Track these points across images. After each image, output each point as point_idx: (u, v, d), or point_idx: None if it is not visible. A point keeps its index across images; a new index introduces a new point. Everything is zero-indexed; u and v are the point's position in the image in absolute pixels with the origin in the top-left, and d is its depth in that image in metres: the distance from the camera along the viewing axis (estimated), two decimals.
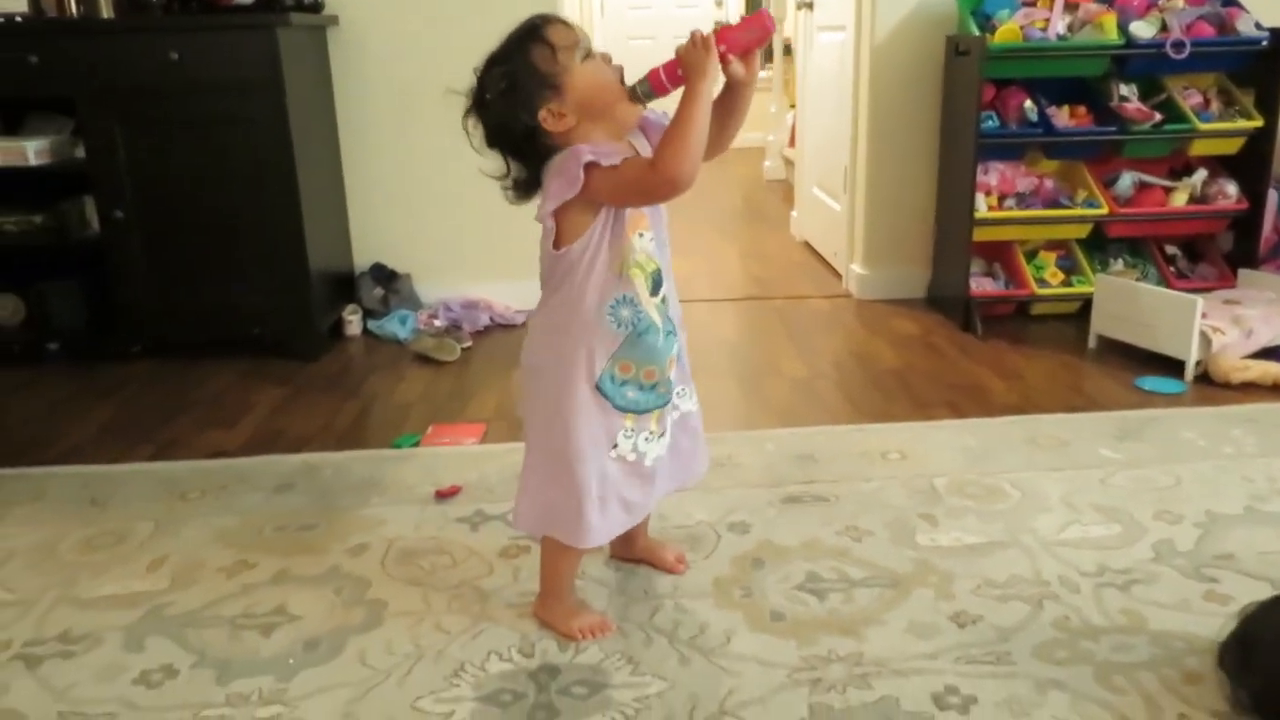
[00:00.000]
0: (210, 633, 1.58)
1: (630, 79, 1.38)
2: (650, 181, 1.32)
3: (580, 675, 1.45)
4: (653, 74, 1.35)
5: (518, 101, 1.34)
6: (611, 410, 1.45)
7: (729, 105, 1.41)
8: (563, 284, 1.41)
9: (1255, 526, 1.83)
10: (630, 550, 1.73)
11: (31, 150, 2.78)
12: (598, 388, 1.43)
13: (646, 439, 1.49)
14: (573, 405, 1.43)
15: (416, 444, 2.31)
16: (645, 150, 1.42)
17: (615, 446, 1.46)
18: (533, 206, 1.43)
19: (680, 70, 1.32)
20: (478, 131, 1.39)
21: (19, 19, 2.79)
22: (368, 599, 1.66)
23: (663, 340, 1.46)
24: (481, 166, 1.43)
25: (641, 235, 1.41)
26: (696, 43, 1.31)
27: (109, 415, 2.56)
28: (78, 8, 2.86)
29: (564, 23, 1.38)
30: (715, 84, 1.33)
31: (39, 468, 2.23)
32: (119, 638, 1.57)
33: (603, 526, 1.48)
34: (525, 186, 1.43)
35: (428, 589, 1.68)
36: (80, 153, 2.81)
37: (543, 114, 1.34)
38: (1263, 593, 1.52)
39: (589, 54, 1.36)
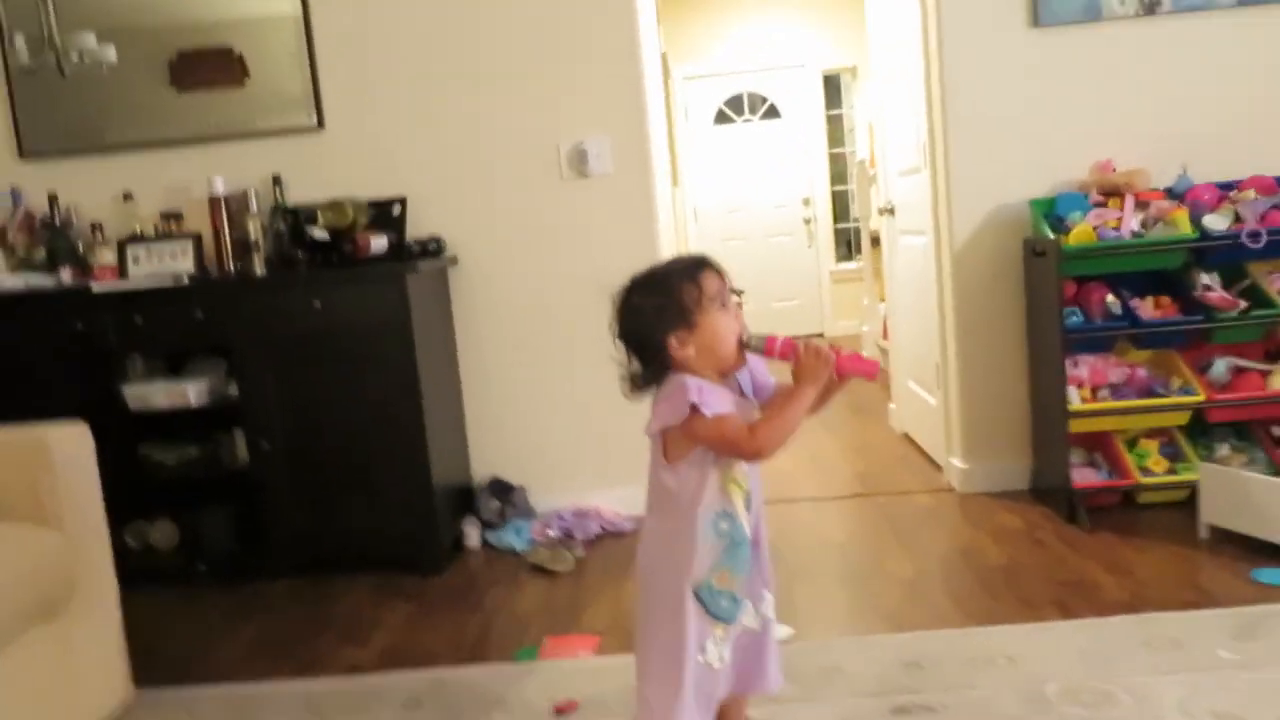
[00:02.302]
0: None
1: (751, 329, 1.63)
2: (743, 447, 1.55)
3: None
4: (770, 340, 1.59)
5: (657, 321, 1.57)
6: (706, 616, 1.58)
7: (819, 401, 1.61)
8: (672, 495, 1.59)
9: None
10: None
11: (193, 392, 3.13)
12: (696, 594, 1.58)
13: (728, 648, 1.62)
14: (681, 608, 1.57)
15: (535, 657, 2.42)
16: (747, 387, 1.65)
17: (704, 652, 1.59)
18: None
19: (793, 359, 1.58)
20: (615, 326, 1.63)
21: (186, 280, 3.20)
22: None
23: (748, 552, 1.62)
24: (610, 354, 1.65)
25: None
26: (821, 355, 1.56)
27: (253, 634, 2.75)
28: (235, 266, 3.28)
29: (718, 273, 1.61)
30: (819, 389, 1.58)
31: (189, 687, 2.41)
32: None
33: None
34: (638, 383, 1.63)
35: None
36: (233, 390, 3.15)
37: (672, 339, 1.57)
38: None
39: (726, 305, 1.60)
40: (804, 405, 1.55)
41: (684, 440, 1.56)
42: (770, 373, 1.70)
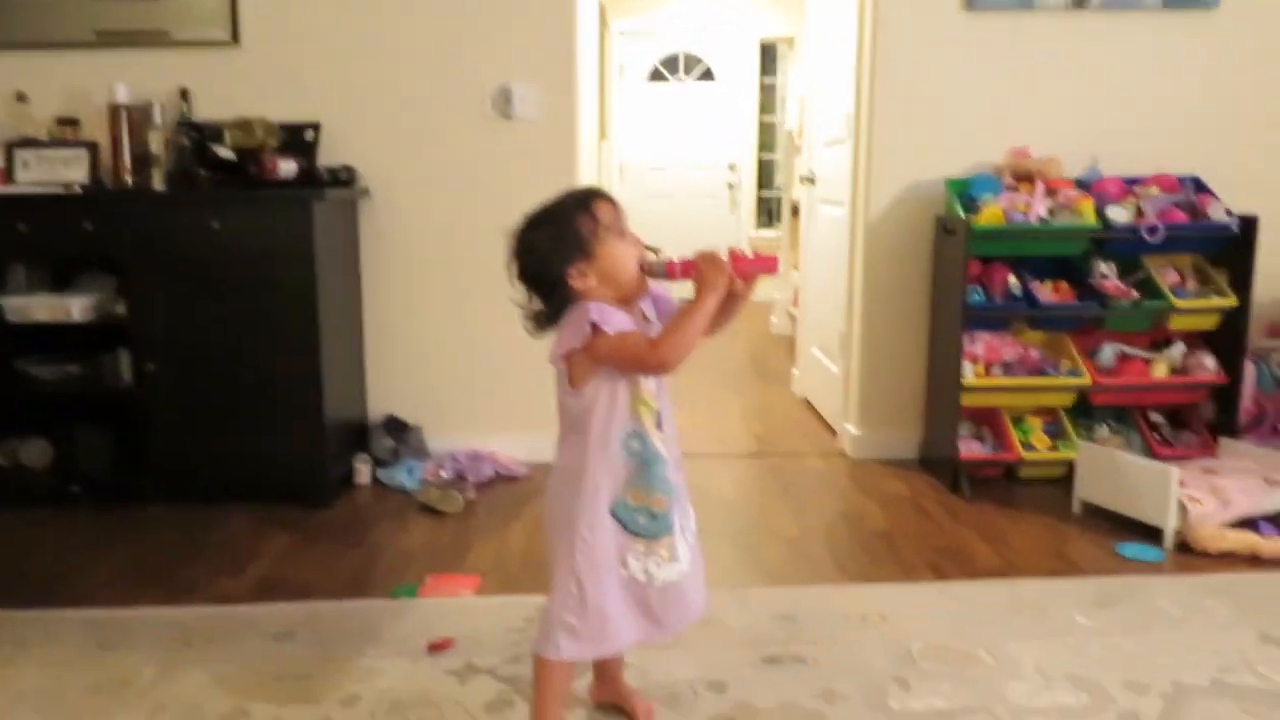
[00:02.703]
0: None
1: (650, 250, 1.63)
2: (646, 360, 1.56)
3: None
4: (670, 263, 1.60)
5: (554, 255, 1.57)
6: (624, 534, 1.60)
7: (726, 310, 1.63)
8: (580, 420, 1.61)
9: (1219, 699, 1.87)
10: (606, 693, 1.85)
11: (76, 307, 3.00)
12: (613, 513, 1.59)
13: (657, 564, 1.63)
14: (591, 524, 1.59)
15: (415, 594, 2.40)
16: (650, 313, 1.66)
17: (625, 565, 1.60)
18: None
19: (694, 276, 1.57)
20: (514, 266, 1.61)
21: (79, 189, 3.06)
22: None
23: (668, 472, 1.63)
24: (511, 296, 1.64)
25: (646, 379, 1.62)
26: (716, 263, 1.56)
27: (125, 558, 2.67)
28: (133, 179, 3.14)
29: (611, 202, 1.61)
30: (720, 296, 1.57)
31: (54, 610, 2.32)
32: None
33: (613, 636, 1.62)
34: (542, 321, 1.63)
35: None
36: (121, 309, 3.02)
37: (571, 271, 1.57)
38: None
39: (623, 233, 1.60)
40: (705, 313, 1.55)
41: (588, 362, 1.57)
42: (677, 296, 1.70)
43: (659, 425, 1.63)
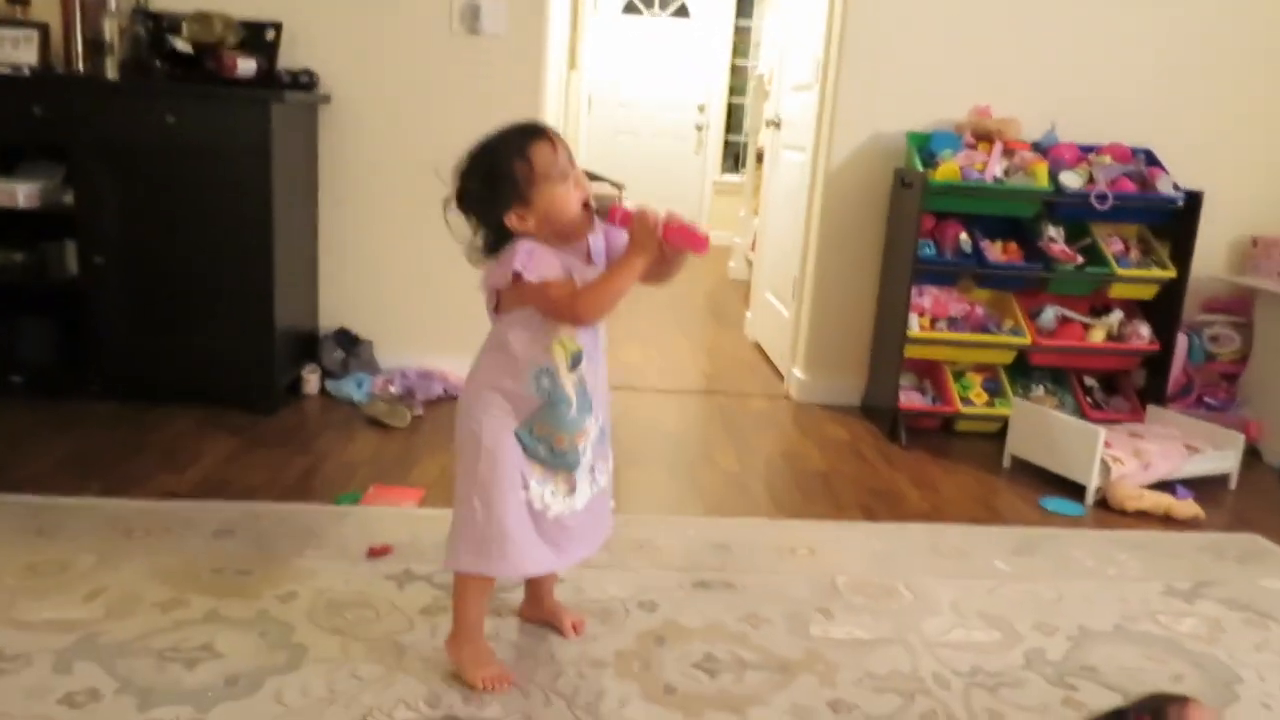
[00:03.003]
0: (138, 662, 1.67)
1: (599, 183, 1.66)
2: (567, 309, 1.57)
3: None
4: (613, 209, 1.59)
5: (491, 198, 1.56)
6: (525, 456, 1.63)
7: (660, 271, 1.62)
8: (499, 343, 1.63)
9: (1121, 644, 1.98)
10: (535, 611, 1.90)
11: (21, 193, 2.92)
12: (516, 434, 1.62)
13: (552, 493, 1.66)
14: (497, 440, 1.61)
15: (357, 502, 2.43)
16: (598, 246, 1.65)
17: (526, 488, 1.63)
18: None
19: (629, 231, 1.57)
20: (453, 202, 1.60)
21: (27, 71, 2.97)
22: (291, 643, 1.76)
23: (574, 413, 1.64)
24: (450, 230, 1.62)
25: None
26: (648, 225, 1.54)
27: (66, 450, 2.65)
28: (85, 66, 3.05)
29: (550, 143, 1.56)
30: (648, 259, 1.57)
31: None
32: (49, 660, 1.66)
33: (514, 558, 1.63)
34: (483, 251, 1.62)
35: (348, 639, 1.79)
36: (69, 199, 2.96)
37: (509, 216, 1.56)
38: (1114, 703, 1.67)
39: (565, 174, 1.56)
40: (630, 274, 1.55)
41: (513, 298, 1.59)
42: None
43: (573, 366, 1.63)
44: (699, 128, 8.00)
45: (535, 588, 1.89)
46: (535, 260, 1.53)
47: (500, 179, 1.54)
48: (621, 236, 1.63)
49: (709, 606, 2.01)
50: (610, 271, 1.58)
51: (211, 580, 1.98)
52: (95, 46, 3.05)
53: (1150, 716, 1.42)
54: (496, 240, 1.59)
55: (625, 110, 7.91)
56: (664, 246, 1.56)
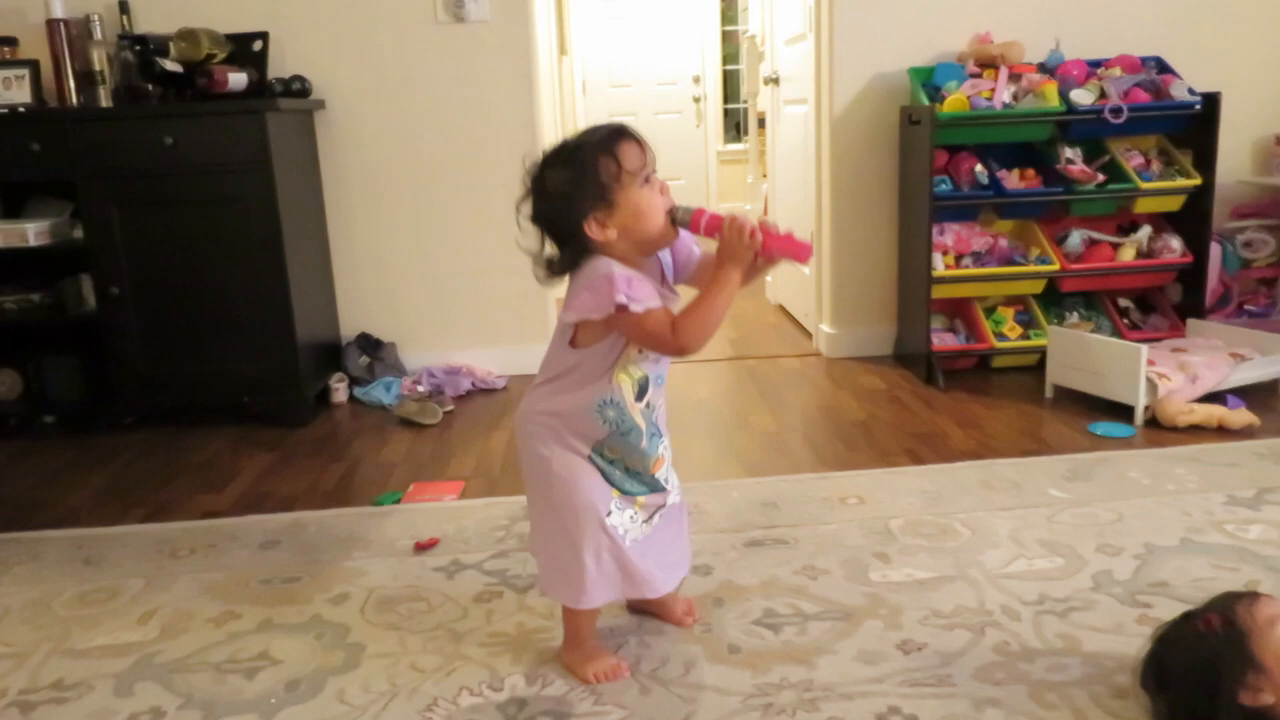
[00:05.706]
0: (197, 677, 1.66)
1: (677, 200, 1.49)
2: (667, 344, 1.44)
3: (546, 706, 1.54)
4: (698, 213, 1.45)
5: (573, 201, 1.41)
6: (603, 479, 1.54)
7: (747, 277, 1.49)
8: (565, 376, 1.52)
9: (1189, 556, 1.93)
10: (644, 601, 1.77)
11: (32, 232, 2.92)
12: (590, 458, 1.53)
13: (632, 518, 1.57)
14: (572, 467, 1.52)
15: (398, 501, 2.41)
16: (666, 261, 1.54)
17: (609, 514, 1.53)
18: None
19: (718, 238, 1.45)
20: (525, 208, 1.46)
21: (22, 109, 2.96)
22: (347, 643, 1.75)
23: (646, 442, 1.55)
24: (519, 240, 1.48)
25: (641, 350, 1.51)
26: (743, 233, 1.42)
27: (104, 482, 2.65)
28: (78, 98, 3.04)
29: (638, 144, 1.44)
30: (743, 267, 1.45)
31: (35, 531, 2.32)
32: (110, 684, 1.65)
33: (597, 591, 1.55)
34: (554, 268, 1.49)
35: (404, 633, 1.77)
36: (78, 233, 2.95)
37: (589, 221, 1.42)
38: None
39: (649, 179, 1.44)
40: (728, 290, 1.43)
41: (600, 329, 1.46)
42: (695, 243, 1.57)
43: (640, 395, 1.53)
44: (696, 99, 7.92)
45: None
46: (636, 289, 1.40)
47: (583, 178, 1.40)
48: (688, 245, 1.54)
49: (763, 563, 1.98)
50: (707, 292, 1.44)
51: (261, 591, 1.96)
52: (86, 77, 3.05)
53: (1219, 615, 1.37)
54: (571, 256, 1.46)
55: (620, 92, 7.83)
56: (758, 258, 1.45)
